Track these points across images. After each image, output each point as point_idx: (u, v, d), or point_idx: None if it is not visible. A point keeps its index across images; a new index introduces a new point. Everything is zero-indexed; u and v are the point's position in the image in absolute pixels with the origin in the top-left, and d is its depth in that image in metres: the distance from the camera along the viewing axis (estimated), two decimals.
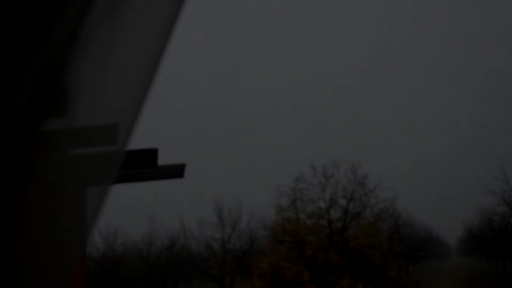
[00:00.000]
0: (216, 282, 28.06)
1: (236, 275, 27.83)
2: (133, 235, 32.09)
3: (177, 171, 4.05)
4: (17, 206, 0.86)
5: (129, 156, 3.50)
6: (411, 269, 47.99)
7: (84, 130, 0.95)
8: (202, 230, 30.00)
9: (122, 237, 32.30)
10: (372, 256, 21.39)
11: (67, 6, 0.82)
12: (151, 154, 3.76)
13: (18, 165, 0.84)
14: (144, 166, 3.74)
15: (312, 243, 22.04)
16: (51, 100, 0.86)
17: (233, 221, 29.15)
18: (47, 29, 0.81)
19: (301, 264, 21.15)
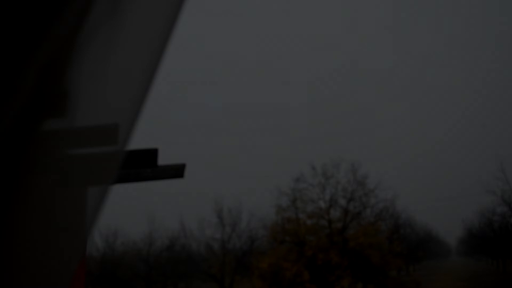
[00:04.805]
0: (216, 282, 28.04)
1: (236, 275, 27.82)
2: (133, 235, 32.13)
3: (177, 171, 4.05)
4: (17, 206, 0.86)
5: (129, 156, 3.50)
6: (411, 269, 47.97)
7: (84, 130, 0.95)
8: (202, 230, 30.01)
9: (122, 237, 32.33)
10: (372, 256, 21.37)
11: (67, 6, 0.82)
12: (151, 154, 3.76)
13: (18, 165, 0.84)
14: (144, 166, 3.74)
15: (312, 243, 22.02)
16: (51, 100, 0.86)
17: (233, 221, 29.16)
18: (47, 29, 0.81)
19: (301, 264, 21.14)
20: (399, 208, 33.30)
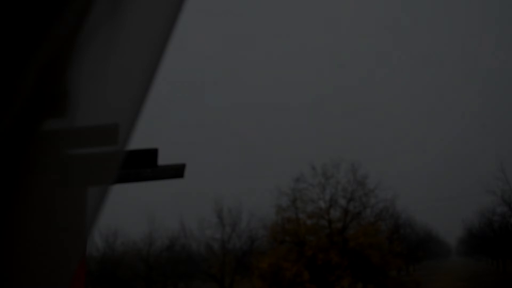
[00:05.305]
0: (216, 282, 28.04)
1: (236, 275, 27.82)
2: (133, 235, 32.12)
3: (177, 171, 4.05)
4: (17, 206, 0.86)
5: (129, 156, 3.50)
6: (411, 269, 47.98)
7: (84, 130, 0.95)
8: (202, 230, 29.99)
9: (122, 237, 32.34)
10: (372, 256, 21.37)
11: (67, 6, 0.82)
12: (151, 154, 3.76)
13: (18, 165, 0.84)
14: (144, 166, 3.75)
15: (312, 243, 22.02)
16: (51, 100, 0.86)
17: (233, 221, 29.15)
18: (47, 29, 0.81)
19: (301, 264, 21.14)
20: (399, 208, 33.35)
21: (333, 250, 21.38)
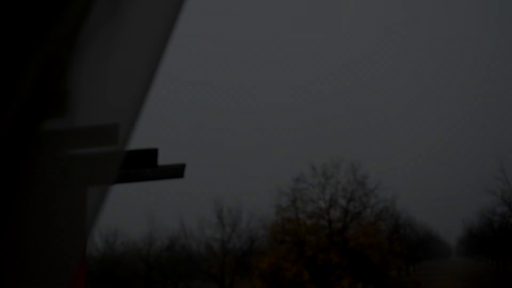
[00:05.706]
0: (216, 282, 28.04)
1: (236, 275, 27.82)
2: (133, 235, 32.15)
3: (177, 171, 4.05)
4: (17, 206, 0.86)
5: (129, 156, 3.50)
6: (411, 269, 47.98)
7: (84, 130, 0.95)
8: (202, 230, 30.02)
9: (122, 237, 32.36)
10: (372, 256, 21.37)
11: (67, 6, 0.82)
12: (151, 154, 3.76)
13: (18, 165, 0.84)
14: (144, 166, 3.75)
15: (312, 243, 22.02)
16: (51, 100, 0.86)
17: (233, 221, 29.16)
18: (47, 29, 0.81)
19: (301, 264, 21.13)
20: (399, 208, 33.38)
21: (333, 250, 21.38)
